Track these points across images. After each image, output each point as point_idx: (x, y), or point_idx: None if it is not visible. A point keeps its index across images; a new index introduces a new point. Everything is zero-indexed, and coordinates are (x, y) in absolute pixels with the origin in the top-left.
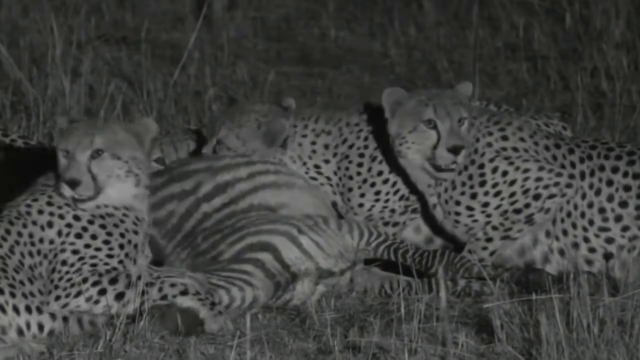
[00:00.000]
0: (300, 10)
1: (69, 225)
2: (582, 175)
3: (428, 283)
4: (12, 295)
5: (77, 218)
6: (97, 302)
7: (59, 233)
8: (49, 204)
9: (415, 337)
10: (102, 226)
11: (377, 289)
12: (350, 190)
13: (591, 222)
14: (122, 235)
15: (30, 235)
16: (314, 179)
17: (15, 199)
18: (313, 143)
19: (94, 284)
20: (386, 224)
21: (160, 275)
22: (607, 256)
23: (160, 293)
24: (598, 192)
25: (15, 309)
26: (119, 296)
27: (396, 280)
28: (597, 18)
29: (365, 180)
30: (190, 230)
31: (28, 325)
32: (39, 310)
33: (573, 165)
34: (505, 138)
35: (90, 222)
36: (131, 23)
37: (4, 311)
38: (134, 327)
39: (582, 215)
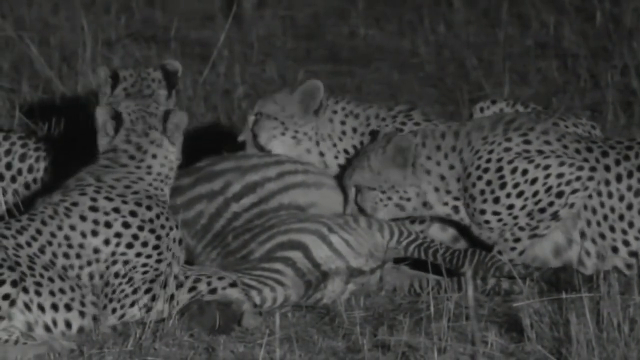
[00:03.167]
0: (330, 9)
1: (118, 235)
2: (619, 178)
3: (457, 282)
4: (38, 293)
5: (126, 225)
6: (151, 308)
7: (106, 242)
8: (93, 209)
9: (444, 335)
10: (152, 230)
11: (406, 287)
12: None
13: (631, 224)
14: (167, 235)
15: (67, 238)
16: (342, 167)
17: (50, 195)
18: (343, 123)
19: (147, 291)
20: (413, 221)
21: (194, 275)
22: None
23: (210, 287)
24: (637, 193)
25: (41, 307)
26: (170, 298)
27: (425, 279)
28: (628, 16)
29: None
30: (219, 230)
31: (54, 323)
32: (68, 308)
33: (608, 169)
34: (527, 142)
35: (141, 228)
36: (161, 21)
37: (29, 309)
38: (164, 325)
39: (621, 217)
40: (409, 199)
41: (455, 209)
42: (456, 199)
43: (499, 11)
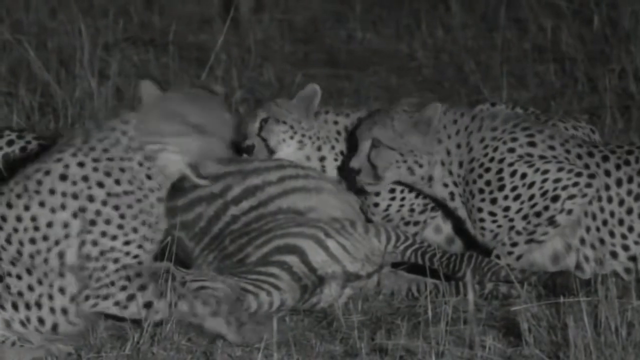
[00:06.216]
0: (327, 12)
1: (82, 209)
2: (619, 183)
3: (455, 286)
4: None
5: (91, 199)
6: (125, 307)
7: (74, 215)
8: (63, 177)
9: (442, 339)
10: (116, 207)
11: (404, 291)
12: None
13: (631, 229)
14: (135, 217)
15: (33, 219)
16: (342, 169)
17: (31, 164)
18: (335, 123)
19: (122, 288)
20: (407, 223)
21: (191, 279)
22: None
23: (191, 310)
24: (637, 198)
25: (14, 306)
26: (148, 305)
27: (423, 282)
28: (625, 19)
29: None
30: (218, 233)
31: (28, 320)
32: (38, 305)
33: (608, 173)
34: (532, 144)
35: (104, 203)
36: (159, 25)
37: (3, 308)
38: (162, 329)
39: (621, 222)
40: (421, 166)
41: (452, 195)
42: (455, 184)
43: (497, 15)
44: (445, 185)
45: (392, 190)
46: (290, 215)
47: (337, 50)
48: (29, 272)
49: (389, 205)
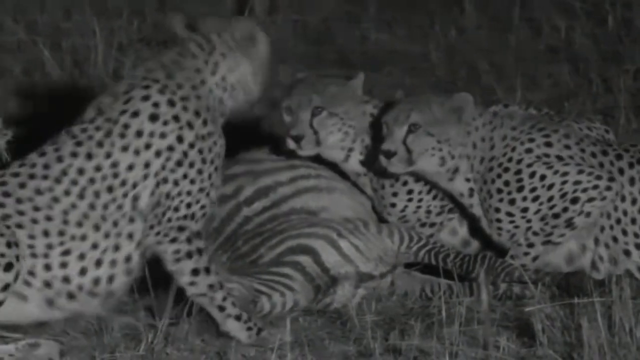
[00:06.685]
0: (341, 13)
1: (170, 149)
2: (632, 181)
3: (469, 286)
4: (63, 265)
5: (180, 140)
6: (178, 260)
7: (157, 154)
8: (153, 117)
9: (456, 340)
10: (200, 151)
11: (417, 292)
12: (383, 187)
13: None
14: (212, 162)
15: (114, 165)
16: (364, 164)
17: (112, 102)
18: (372, 115)
19: (187, 240)
20: (423, 224)
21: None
22: None
23: (224, 302)
24: None
25: (66, 280)
26: (195, 272)
27: (437, 283)
28: (639, 19)
29: (397, 178)
30: (230, 234)
31: (80, 288)
32: (98, 263)
33: (622, 171)
34: (549, 144)
35: (192, 145)
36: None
37: (49, 286)
38: (175, 330)
39: (633, 221)
40: (452, 157)
41: (471, 191)
42: (475, 180)
43: (511, 16)
44: (468, 180)
45: (410, 192)
46: (303, 216)
47: (350, 50)
48: (96, 228)
49: (405, 206)
